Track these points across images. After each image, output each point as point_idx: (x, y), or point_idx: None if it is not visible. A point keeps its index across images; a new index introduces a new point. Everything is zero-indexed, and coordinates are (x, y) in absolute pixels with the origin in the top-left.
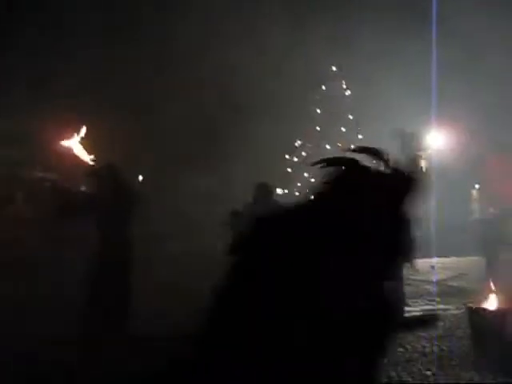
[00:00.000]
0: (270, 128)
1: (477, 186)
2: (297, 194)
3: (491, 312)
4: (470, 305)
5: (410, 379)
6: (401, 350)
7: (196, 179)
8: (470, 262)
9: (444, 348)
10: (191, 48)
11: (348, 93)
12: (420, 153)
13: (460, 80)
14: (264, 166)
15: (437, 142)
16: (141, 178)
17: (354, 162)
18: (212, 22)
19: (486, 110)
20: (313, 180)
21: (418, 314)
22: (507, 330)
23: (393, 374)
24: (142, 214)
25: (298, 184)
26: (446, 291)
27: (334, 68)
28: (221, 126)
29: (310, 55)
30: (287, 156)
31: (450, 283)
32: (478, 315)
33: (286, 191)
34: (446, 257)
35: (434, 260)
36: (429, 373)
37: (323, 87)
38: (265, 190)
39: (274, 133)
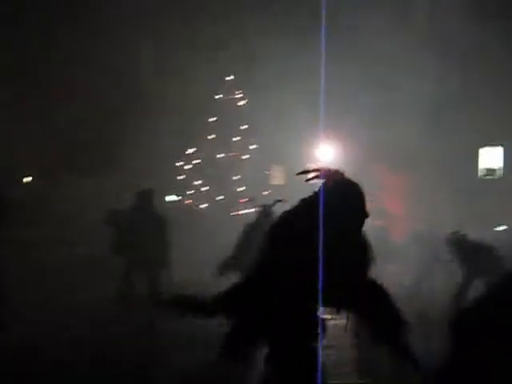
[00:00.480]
0: (162, 135)
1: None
2: (188, 202)
3: None
4: None
5: None
6: None
7: (84, 184)
8: None
9: None
10: (76, 52)
11: (243, 102)
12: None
13: (352, 89)
14: (155, 173)
15: (326, 153)
16: (28, 179)
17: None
18: (90, 23)
19: (374, 122)
20: (204, 188)
21: None
22: None
23: None
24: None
25: (190, 192)
26: None
27: (229, 77)
28: (112, 131)
29: (204, 63)
30: (179, 164)
31: None
32: None
33: (178, 198)
34: None
35: None
36: None
37: (218, 96)
38: (143, 197)
39: (166, 140)
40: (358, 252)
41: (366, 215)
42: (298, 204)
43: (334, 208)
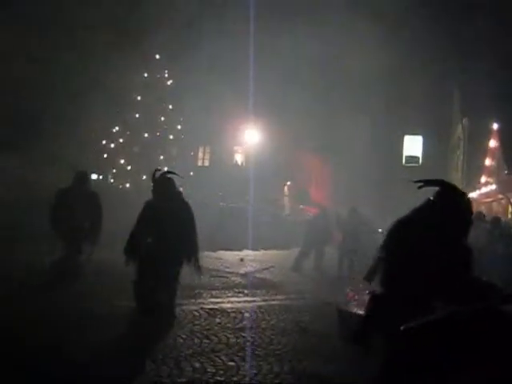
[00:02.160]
0: (88, 112)
1: (288, 183)
2: (111, 180)
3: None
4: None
5: (213, 370)
6: (205, 340)
7: (5, 163)
8: (277, 255)
9: (248, 339)
10: None
11: (170, 82)
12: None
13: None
14: (80, 150)
15: (253, 137)
16: None
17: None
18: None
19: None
20: (129, 168)
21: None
22: None
23: (197, 364)
24: None
25: (114, 170)
26: (253, 283)
27: (157, 56)
28: (35, 108)
29: (131, 41)
30: (104, 142)
31: (257, 275)
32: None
33: (101, 177)
34: (255, 250)
35: (244, 253)
36: (232, 363)
37: (145, 74)
38: (81, 177)
39: (91, 117)
40: (462, 253)
41: (471, 223)
42: (415, 211)
43: (447, 216)
